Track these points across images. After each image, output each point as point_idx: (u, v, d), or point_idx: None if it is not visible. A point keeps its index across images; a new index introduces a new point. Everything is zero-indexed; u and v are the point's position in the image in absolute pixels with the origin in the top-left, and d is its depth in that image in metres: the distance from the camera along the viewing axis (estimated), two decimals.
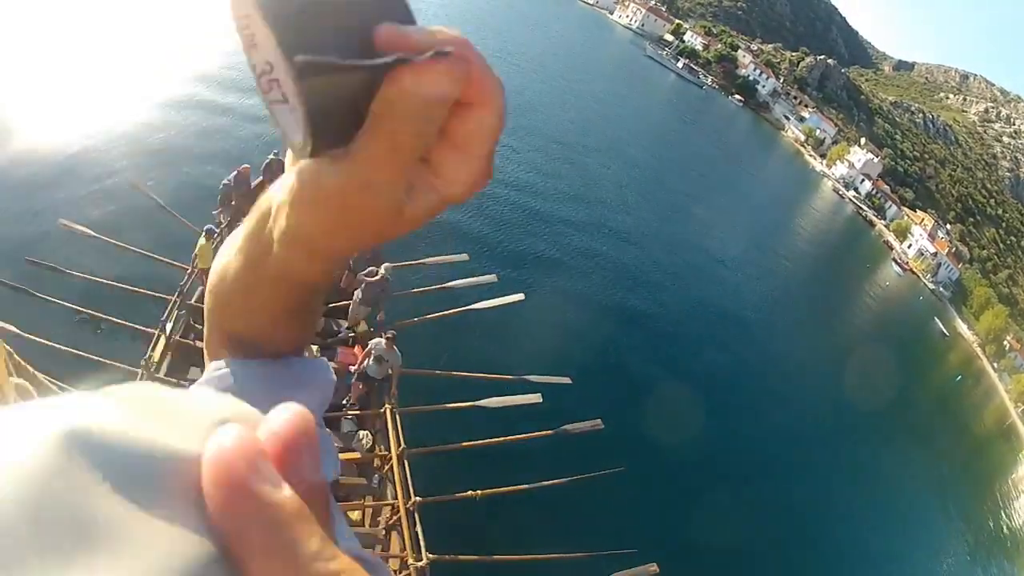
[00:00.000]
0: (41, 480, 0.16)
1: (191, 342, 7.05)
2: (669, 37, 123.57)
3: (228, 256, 0.39)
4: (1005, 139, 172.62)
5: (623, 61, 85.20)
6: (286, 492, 0.19)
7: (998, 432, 53.39)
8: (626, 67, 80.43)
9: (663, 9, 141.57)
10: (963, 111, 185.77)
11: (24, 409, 0.18)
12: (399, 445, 6.66)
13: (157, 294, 7.50)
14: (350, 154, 0.28)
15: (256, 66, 0.26)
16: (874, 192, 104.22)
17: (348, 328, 8.28)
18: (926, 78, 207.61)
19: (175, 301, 7.31)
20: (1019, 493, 37.69)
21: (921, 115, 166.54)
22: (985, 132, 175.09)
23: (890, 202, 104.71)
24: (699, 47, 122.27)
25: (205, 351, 0.43)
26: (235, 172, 8.84)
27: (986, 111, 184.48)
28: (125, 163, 11.73)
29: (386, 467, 6.81)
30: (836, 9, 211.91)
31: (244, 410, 0.23)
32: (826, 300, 37.63)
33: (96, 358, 6.14)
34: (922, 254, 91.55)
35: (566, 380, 7.95)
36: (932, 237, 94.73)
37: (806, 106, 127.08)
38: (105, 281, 7.36)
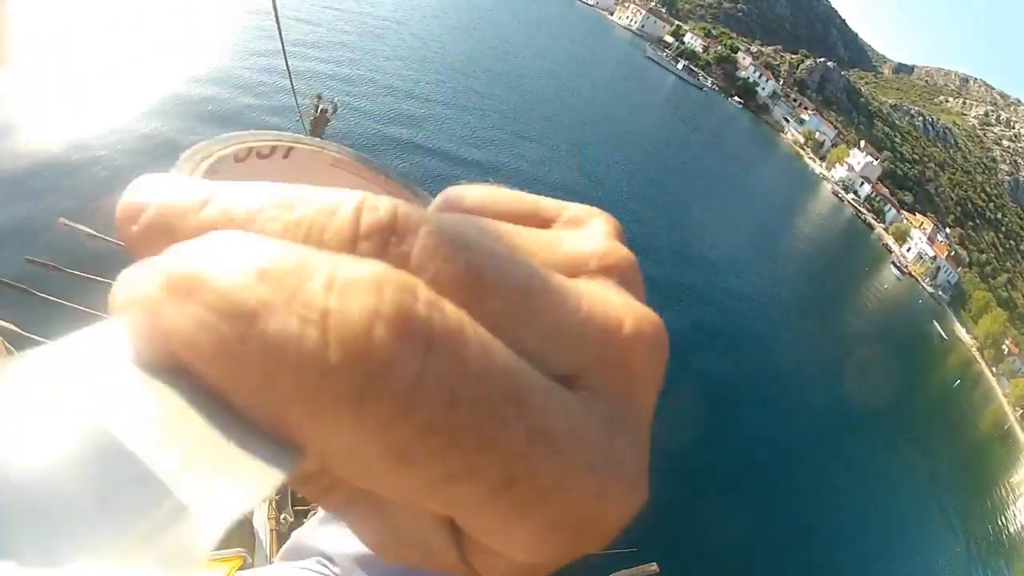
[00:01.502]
0: None
1: None
2: (669, 39, 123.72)
3: None
4: (1005, 142, 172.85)
5: (623, 62, 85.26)
6: None
7: (996, 436, 53.45)
8: (626, 68, 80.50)
9: (663, 10, 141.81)
10: (963, 114, 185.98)
11: None
12: None
13: None
14: None
15: None
16: (873, 195, 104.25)
17: None
18: (926, 81, 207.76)
19: None
20: (1017, 496, 37.72)
21: (921, 118, 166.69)
22: (985, 135, 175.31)
23: (889, 205, 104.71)
24: (699, 49, 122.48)
25: None
26: None
27: (986, 114, 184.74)
28: (126, 161, 11.73)
29: None
30: (836, 11, 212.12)
31: None
32: (825, 303, 37.66)
33: None
34: (921, 257, 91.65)
35: None
36: (931, 240, 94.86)
37: (806, 108, 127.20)
38: (106, 281, 7.35)
